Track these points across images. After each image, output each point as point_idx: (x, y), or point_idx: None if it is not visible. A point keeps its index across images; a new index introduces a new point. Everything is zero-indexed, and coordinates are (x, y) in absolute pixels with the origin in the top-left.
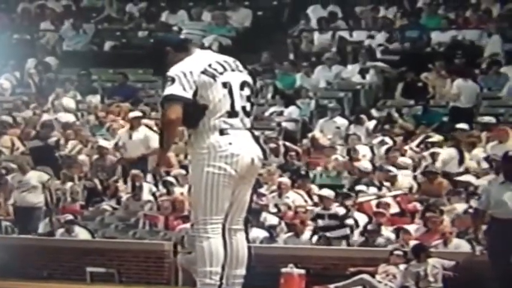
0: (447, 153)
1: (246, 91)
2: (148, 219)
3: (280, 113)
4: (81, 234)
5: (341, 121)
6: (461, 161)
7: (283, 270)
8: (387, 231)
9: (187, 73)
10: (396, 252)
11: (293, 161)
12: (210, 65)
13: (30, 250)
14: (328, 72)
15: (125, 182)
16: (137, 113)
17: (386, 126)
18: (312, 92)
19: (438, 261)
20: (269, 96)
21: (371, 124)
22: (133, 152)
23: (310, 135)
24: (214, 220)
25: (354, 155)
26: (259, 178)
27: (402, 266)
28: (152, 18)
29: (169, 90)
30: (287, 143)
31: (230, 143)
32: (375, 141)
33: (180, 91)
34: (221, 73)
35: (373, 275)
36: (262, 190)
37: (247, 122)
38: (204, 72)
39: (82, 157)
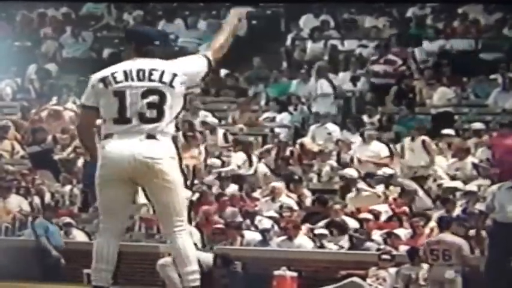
0: None
1: (151, 99)
2: (144, 223)
3: (273, 119)
4: (78, 236)
5: (332, 127)
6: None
7: (276, 272)
8: (376, 236)
9: (95, 81)
10: (384, 256)
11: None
12: (112, 73)
13: (27, 252)
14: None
15: None
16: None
17: (377, 132)
18: (304, 98)
19: None
20: (262, 102)
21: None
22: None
23: (299, 141)
24: (104, 223)
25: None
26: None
27: (392, 270)
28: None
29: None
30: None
31: (109, 147)
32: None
33: (84, 99)
34: (118, 82)
35: (363, 278)
36: (256, 194)
37: (147, 127)
38: (101, 80)
39: (81, 161)
